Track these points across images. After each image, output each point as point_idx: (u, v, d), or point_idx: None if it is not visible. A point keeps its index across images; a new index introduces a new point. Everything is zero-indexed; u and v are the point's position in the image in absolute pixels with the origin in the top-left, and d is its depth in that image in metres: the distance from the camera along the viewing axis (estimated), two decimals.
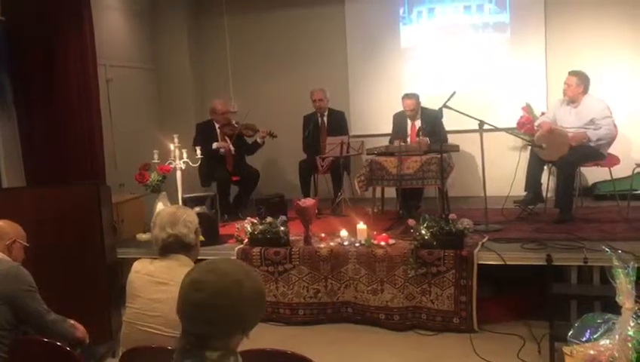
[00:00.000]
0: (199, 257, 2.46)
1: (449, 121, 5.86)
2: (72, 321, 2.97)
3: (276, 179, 7.30)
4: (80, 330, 2.98)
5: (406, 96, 5.98)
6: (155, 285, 2.35)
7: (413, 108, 5.92)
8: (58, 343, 2.39)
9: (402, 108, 6.06)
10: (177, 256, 2.38)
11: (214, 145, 6.06)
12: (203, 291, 1.43)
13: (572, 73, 5.21)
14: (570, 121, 5.19)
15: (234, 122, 6.30)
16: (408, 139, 5.89)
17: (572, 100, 5.22)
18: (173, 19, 7.43)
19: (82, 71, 5.40)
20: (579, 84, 5.14)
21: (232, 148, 6.22)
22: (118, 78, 6.57)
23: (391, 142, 5.89)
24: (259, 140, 6.28)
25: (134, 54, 7.10)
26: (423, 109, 5.99)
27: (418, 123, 5.96)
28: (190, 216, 2.46)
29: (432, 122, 5.70)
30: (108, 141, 5.92)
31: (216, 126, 6.25)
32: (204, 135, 6.14)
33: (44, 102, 5.26)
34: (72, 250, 4.24)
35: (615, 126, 5.15)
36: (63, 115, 5.30)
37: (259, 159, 6.71)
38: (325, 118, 6.47)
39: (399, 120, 6.13)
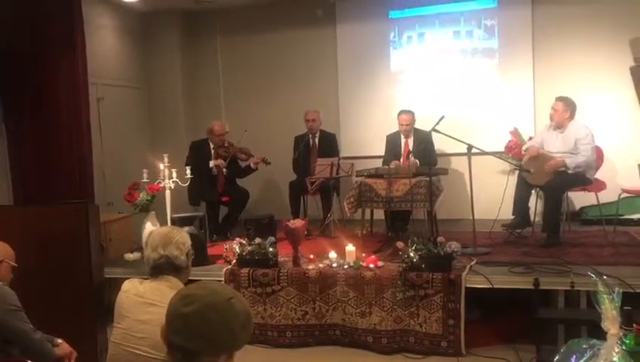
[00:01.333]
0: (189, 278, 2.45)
1: (438, 145, 5.93)
2: (60, 340, 2.94)
3: (266, 200, 7.30)
4: (65, 349, 2.94)
5: (402, 112, 6.08)
6: (143, 306, 2.33)
7: (409, 123, 6.00)
8: None
9: (395, 130, 6.14)
10: (168, 278, 2.37)
11: (211, 163, 6.10)
12: (193, 304, 1.45)
13: (559, 99, 5.29)
14: (557, 146, 5.26)
15: (226, 144, 6.32)
16: (401, 159, 5.94)
17: (558, 125, 5.29)
18: (166, 40, 7.48)
19: (73, 89, 5.40)
20: (565, 109, 5.21)
21: (225, 171, 6.23)
22: (109, 97, 6.58)
23: (385, 163, 5.92)
24: (252, 166, 6.31)
25: (126, 73, 7.12)
26: (416, 130, 6.06)
27: (411, 142, 6.03)
28: (183, 238, 2.45)
29: (423, 143, 5.77)
30: (97, 160, 5.91)
31: (211, 146, 6.27)
32: (198, 153, 6.17)
33: (34, 120, 5.25)
34: (60, 268, 4.19)
35: (594, 153, 5.20)
36: (52, 134, 5.30)
37: (249, 179, 6.71)
38: (317, 140, 6.51)
39: (393, 140, 6.19)
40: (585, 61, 6.38)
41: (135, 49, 7.28)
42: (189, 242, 2.48)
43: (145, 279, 2.43)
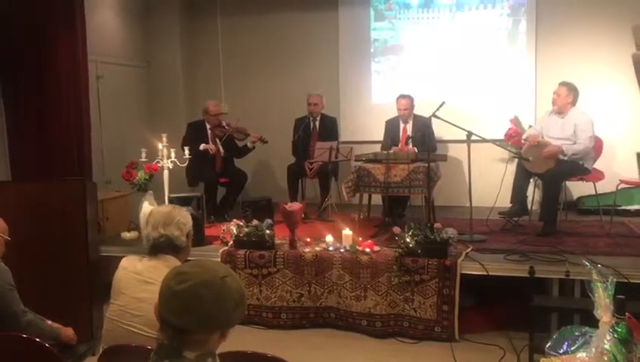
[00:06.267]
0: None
1: (437, 131, 5.92)
2: (49, 322, 2.92)
3: (265, 182, 7.30)
4: (67, 332, 2.94)
5: (401, 97, 6.06)
6: (140, 284, 2.34)
7: (408, 108, 5.98)
8: (37, 339, 2.37)
9: (394, 115, 6.11)
10: (166, 257, 2.37)
11: (201, 147, 6.04)
12: (187, 281, 1.45)
13: (562, 84, 5.28)
14: (556, 130, 5.24)
15: (224, 124, 6.29)
16: (399, 145, 5.92)
17: (560, 111, 5.27)
18: (167, 19, 7.41)
19: (72, 66, 5.35)
20: (568, 94, 5.20)
21: (222, 151, 6.21)
22: (108, 75, 6.54)
23: (383, 148, 5.91)
24: (249, 145, 6.28)
25: (126, 52, 7.07)
26: (415, 116, 6.04)
27: (409, 127, 6.02)
28: (184, 218, 2.45)
29: (422, 129, 5.75)
30: (96, 138, 5.88)
31: (208, 126, 6.24)
32: (194, 135, 6.14)
33: (33, 95, 5.22)
34: (56, 246, 4.21)
35: (592, 141, 5.17)
36: (51, 110, 5.26)
37: (248, 161, 6.70)
38: (317, 123, 6.48)
39: (391, 126, 6.17)
40: (588, 49, 6.33)
41: (135, 27, 7.22)
42: (190, 222, 2.48)
43: (143, 257, 2.43)
